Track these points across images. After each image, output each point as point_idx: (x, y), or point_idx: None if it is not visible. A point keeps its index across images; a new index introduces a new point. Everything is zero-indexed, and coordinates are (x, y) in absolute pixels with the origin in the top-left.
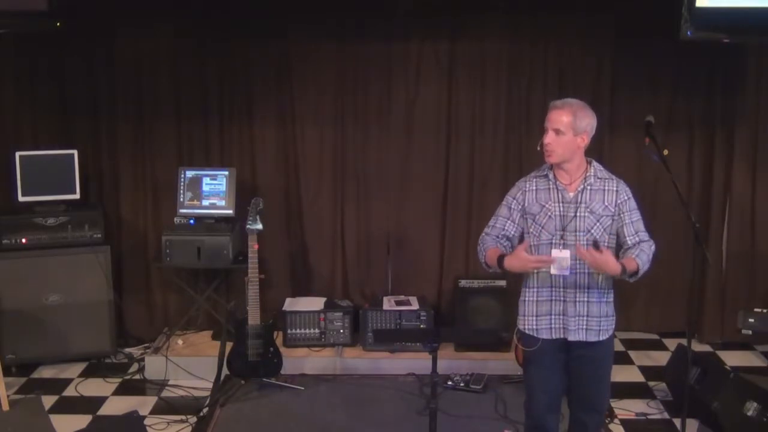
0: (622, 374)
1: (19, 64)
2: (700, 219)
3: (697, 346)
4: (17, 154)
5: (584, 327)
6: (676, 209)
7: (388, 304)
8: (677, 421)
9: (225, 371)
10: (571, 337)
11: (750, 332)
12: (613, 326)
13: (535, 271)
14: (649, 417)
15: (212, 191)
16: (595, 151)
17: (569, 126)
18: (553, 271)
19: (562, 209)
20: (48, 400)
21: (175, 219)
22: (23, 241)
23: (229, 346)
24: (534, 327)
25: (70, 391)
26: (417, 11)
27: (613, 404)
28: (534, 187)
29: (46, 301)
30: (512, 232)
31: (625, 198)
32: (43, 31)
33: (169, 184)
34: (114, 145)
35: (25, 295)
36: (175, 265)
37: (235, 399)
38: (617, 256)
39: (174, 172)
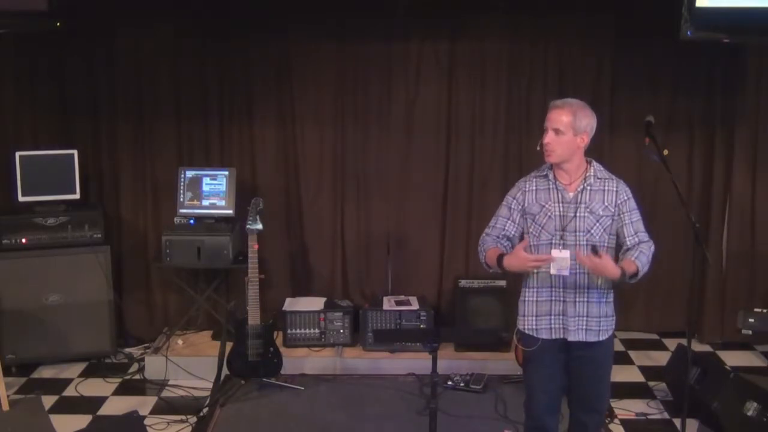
0: (622, 374)
1: (19, 64)
2: (700, 219)
3: (697, 346)
4: (17, 154)
5: (584, 327)
6: (676, 209)
7: (388, 304)
8: (677, 421)
9: (225, 371)
10: (571, 338)
11: (750, 332)
12: (613, 326)
13: (535, 271)
14: (649, 417)
15: (212, 191)
16: (595, 151)
17: (569, 126)
18: (552, 271)
19: (561, 209)
20: (48, 400)
21: (175, 219)
22: (23, 241)
23: (229, 346)
24: (534, 327)
25: (70, 391)
26: (417, 11)
27: (613, 404)
28: (534, 187)
29: (46, 301)
30: (512, 232)
31: (625, 198)
32: (43, 31)
33: (169, 184)
34: (114, 145)
35: (25, 295)
36: (175, 265)
37: (235, 399)
38: (617, 256)
39: (174, 172)
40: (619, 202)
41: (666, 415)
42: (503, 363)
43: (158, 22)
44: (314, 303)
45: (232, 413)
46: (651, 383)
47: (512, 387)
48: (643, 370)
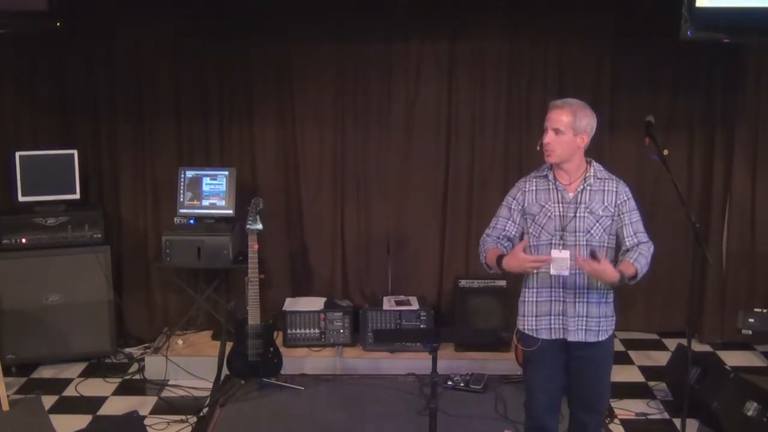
0: (622, 374)
1: (19, 64)
2: (700, 219)
3: (697, 346)
4: (17, 154)
5: (584, 327)
6: (676, 209)
7: (388, 304)
8: (677, 421)
9: (225, 371)
10: (571, 338)
11: (750, 332)
12: (613, 326)
13: (535, 271)
14: (649, 417)
15: (212, 191)
16: (595, 151)
17: (569, 126)
18: (552, 271)
19: (561, 210)
20: (48, 400)
21: (175, 219)
22: (23, 241)
23: (229, 346)
24: (533, 327)
25: (70, 391)
26: (417, 11)
27: (613, 404)
28: (534, 188)
29: (46, 301)
30: (513, 233)
31: (625, 198)
32: (43, 31)
33: (169, 184)
34: (114, 145)
35: (25, 295)
36: (175, 265)
37: (235, 399)
38: (617, 257)
39: (174, 172)
40: (618, 202)
41: (666, 415)
42: (503, 363)
43: (158, 22)
44: (314, 303)
45: (232, 413)
46: (651, 383)
47: (512, 387)
48: (643, 370)
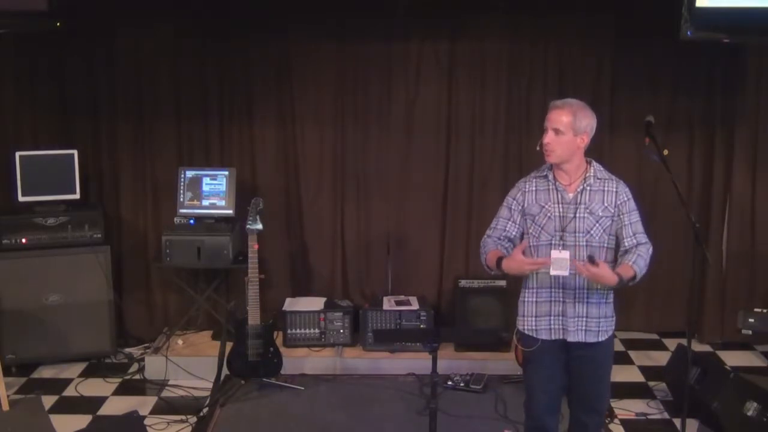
0: (622, 374)
1: (19, 64)
2: (700, 219)
3: (697, 346)
4: (17, 154)
5: (583, 328)
6: (676, 209)
7: (388, 304)
8: (677, 421)
9: (225, 371)
10: (571, 338)
11: (750, 332)
12: (613, 327)
13: (535, 272)
14: (649, 417)
15: (212, 191)
16: (595, 151)
17: (569, 126)
18: (552, 272)
19: (561, 210)
20: (48, 400)
21: (175, 219)
22: (23, 241)
23: (229, 346)
24: (533, 327)
25: (70, 391)
26: (417, 11)
27: (613, 404)
28: (534, 188)
29: (46, 301)
30: (513, 233)
31: (625, 199)
32: (43, 31)
33: (169, 184)
34: (114, 145)
35: (25, 295)
36: (175, 265)
37: (235, 399)
38: (616, 257)
39: (174, 172)
40: (618, 202)
41: (666, 415)
42: (503, 363)
43: (158, 22)
44: (314, 303)
45: (232, 413)
46: (651, 383)
47: (512, 387)
48: (643, 370)
